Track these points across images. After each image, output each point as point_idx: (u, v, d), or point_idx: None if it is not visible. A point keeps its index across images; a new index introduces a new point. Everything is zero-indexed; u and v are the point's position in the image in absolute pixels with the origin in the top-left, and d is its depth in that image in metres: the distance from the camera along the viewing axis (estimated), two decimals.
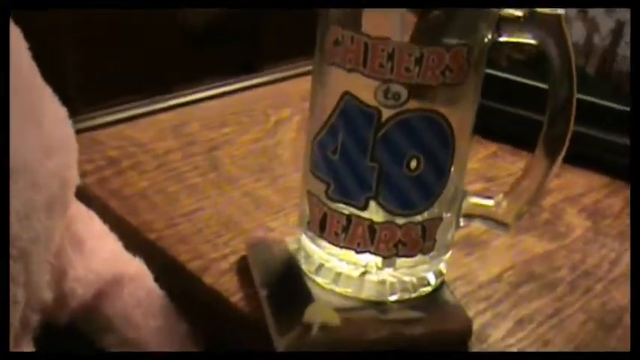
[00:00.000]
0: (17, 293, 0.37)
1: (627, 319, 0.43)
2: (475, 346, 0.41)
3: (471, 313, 0.42)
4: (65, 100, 0.45)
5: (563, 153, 0.39)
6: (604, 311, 0.44)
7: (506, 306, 0.44)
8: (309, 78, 0.41)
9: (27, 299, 0.39)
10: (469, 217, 0.42)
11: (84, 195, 0.48)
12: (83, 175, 0.48)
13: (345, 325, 0.40)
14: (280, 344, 0.39)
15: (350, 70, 0.36)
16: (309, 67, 0.41)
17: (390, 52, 0.35)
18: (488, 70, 0.39)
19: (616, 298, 0.45)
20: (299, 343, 0.39)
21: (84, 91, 0.58)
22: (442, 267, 0.43)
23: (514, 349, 0.41)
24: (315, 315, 0.40)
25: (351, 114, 0.37)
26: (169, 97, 0.62)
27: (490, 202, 0.42)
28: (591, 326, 0.43)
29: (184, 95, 0.64)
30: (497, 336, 0.42)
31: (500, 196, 0.41)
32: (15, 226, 0.36)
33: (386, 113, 0.37)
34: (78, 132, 0.46)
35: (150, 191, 0.52)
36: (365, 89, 0.36)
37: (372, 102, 0.37)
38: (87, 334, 0.46)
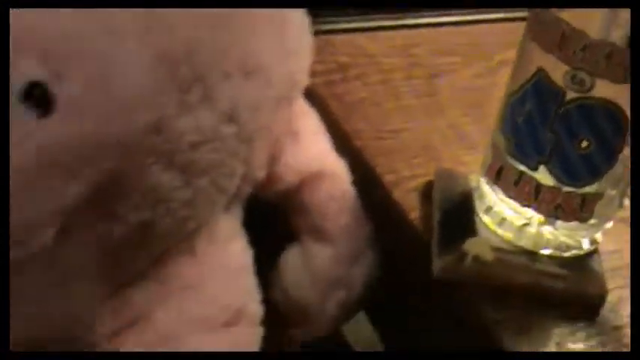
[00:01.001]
0: (237, 167, 0.50)
1: None
2: (607, 317, 0.49)
3: (611, 286, 0.50)
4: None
5: None
6: None
7: None
8: None
9: (244, 174, 0.52)
10: None
11: (309, 93, 0.60)
12: (313, 75, 0.59)
13: (495, 262, 0.50)
14: (437, 265, 0.50)
15: (547, 50, 0.45)
16: None
17: (584, 44, 0.43)
18: None
19: None
20: (452, 268, 0.50)
21: None
22: (598, 236, 0.51)
23: None
24: (473, 247, 0.50)
25: (540, 88, 0.46)
26: (405, 16, 0.72)
27: None
28: None
29: (421, 17, 0.73)
30: (628, 312, 0.50)
31: None
32: (246, 116, 0.49)
33: (569, 95, 0.45)
34: (316, 33, 0.57)
35: (368, 102, 0.63)
36: (556, 69, 0.45)
37: (559, 82, 0.45)
38: (286, 213, 0.59)
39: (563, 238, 0.50)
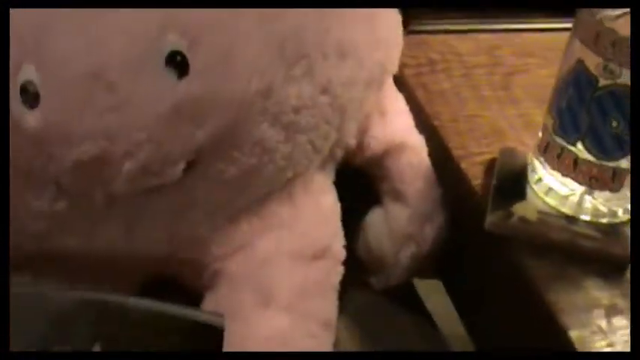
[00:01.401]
0: (330, 132, 0.62)
1: None
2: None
3: None
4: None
5: None
6: None
7: None
8: None
9: (337, 139, 0.63)
10: None
11: (400, 81, 0.71)
12: (404, 66, 0.71)
13: (538, 222, 0.60)
14: (488, 220, 0.60)
15: (585, 45, 0.55)
16: None
17: (613, 40, 0.53)
18: None
19: None
20: (500, 223, 0.60)
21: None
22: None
23: None
24: (520, 209, 0.60)
25: (579, 76, 0.56)
26: (492, 21, 0.82)
27: None
28: None
29: (506, 23, 0.83)
30: None
31: None
32: (340, 90, 0.60)
33: (602, 82, 0.55)
34: (412, 32, 0.68)
35: (449, 92, 0.74)
36: (592, 61, 0.55)
37: (594, 71, 0.55)
38: (372, 178, 0.70)
39: (600, 207, 0.60)
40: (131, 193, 0.56)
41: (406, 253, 0.68)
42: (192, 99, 0.54)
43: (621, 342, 0.54)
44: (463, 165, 0.66)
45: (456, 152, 0.67)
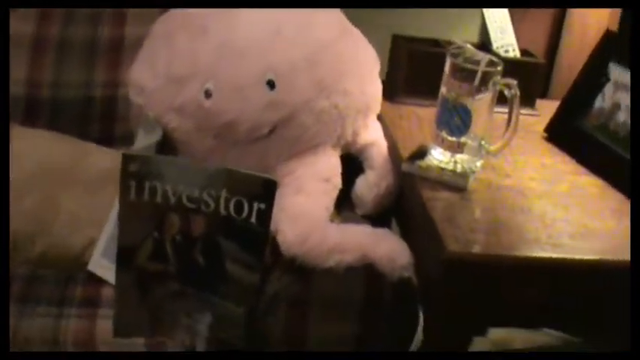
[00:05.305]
0: (337, 127, 1.26)
1: None
2: (469, 190, 1.18)
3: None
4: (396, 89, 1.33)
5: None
6: None
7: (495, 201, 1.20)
8: None
9: (340, 134, 1.28)
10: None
11: (382, 119, 1.36)
12: (386, 115, 1.36)
13: (425, 167, 1.21)
14: (402, 165, 1.22)
15: (445, 85, 1.18)
16: None
17: (454, 84, 1.16)
18: None
19: None
20: (408, 167, 1.21)
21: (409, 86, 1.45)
22: (475, 166, 1.20)
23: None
24: (419, 162, 1.22)
25: (443, 99, 1.19)
26: None
27: (492, 147, 1.19)
28: None
29: None
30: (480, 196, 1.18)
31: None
32: (342, 108, 1.25)
33: (450, 100, 1.17)
34: (396, 102, 1.34)
35: (405, 127, 1.37)
36: (448, 92, 1.17)
37: (448, 96, 1.17)
38: (361, 159, 1.33)
39: (457, 164, 1.21)
40: (245, 140, 1.22)
41: (371, 195, 1.30)
42: (275, 100, 1.20)
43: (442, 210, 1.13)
44: (401, 151, 1.28)
45: (401, 146, 1.29)
